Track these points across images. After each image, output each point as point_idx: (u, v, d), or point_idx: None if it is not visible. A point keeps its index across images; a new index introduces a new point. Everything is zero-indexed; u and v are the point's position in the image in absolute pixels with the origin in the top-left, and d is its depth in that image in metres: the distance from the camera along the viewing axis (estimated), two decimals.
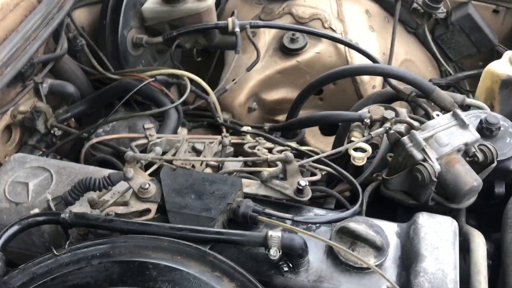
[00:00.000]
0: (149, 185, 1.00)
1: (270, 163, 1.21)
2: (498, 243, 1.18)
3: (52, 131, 1.47)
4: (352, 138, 1.34)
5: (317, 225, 1.01)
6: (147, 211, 0.98)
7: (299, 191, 1.03)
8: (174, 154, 1.17)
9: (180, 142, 1.20)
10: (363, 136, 1.35)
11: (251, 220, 0.97)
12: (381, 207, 1.26)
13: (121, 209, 0.98)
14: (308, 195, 1.04)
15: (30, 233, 1.06)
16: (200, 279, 0.83)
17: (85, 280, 0.82)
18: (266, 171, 1.07)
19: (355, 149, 1.27)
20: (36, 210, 0.96)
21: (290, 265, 0.91)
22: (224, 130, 1.53)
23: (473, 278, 0.96)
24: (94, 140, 1.33)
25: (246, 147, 1.36)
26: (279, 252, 0.88)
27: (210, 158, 1.16)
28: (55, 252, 0.86)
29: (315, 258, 0.95)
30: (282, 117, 1.90)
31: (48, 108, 1.42)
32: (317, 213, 1.04)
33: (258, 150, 1.33)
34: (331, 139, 1.79)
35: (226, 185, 1.01)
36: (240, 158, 1.16)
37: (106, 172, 1.09)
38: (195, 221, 0.96)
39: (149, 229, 0.91)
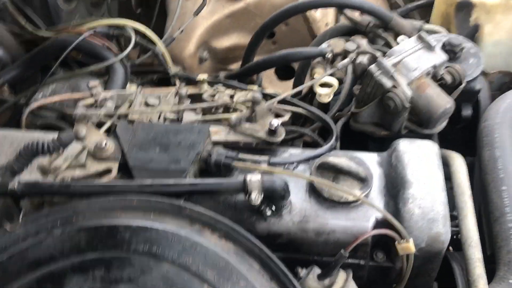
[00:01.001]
0: (106, 142, 0.89)
1: (235, 108, 1.13)
2: (471, 167, 1.17)
3: None
4: (316, 76, 1.28)
5: (295, 164, 0.95)
6: (108, 171, 0.88)
7: (272, 132, 0.96)
8: (128, 109, 1.05)
9: (133, 95, 1.09)
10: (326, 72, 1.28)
11: (225, 167, 0.89)
12: (352, 143, 1.21)
13: (77, 172, 0.88)
14: (281, 135, 0.96)
15: None
16: (179, 235, 0.75)
17: (48, 253, 0.72)
18: (234, 115, 0.98)
19: (320, 85, 1.21)
20: None
21: (273, 208, 0.85)
22: (177, 81, 1.42)
23: (458, 199, 0.94)
24: (35, 104, 1.19)
25: (205, 96, 1.26)
26: (261, 195, 0.81)
27: (170, 108, 1.06)
28: (7, 227, 0.75)
29: (297, 198, 0.89)
30: (235, 66, 1.81)
31: None
32: (292, 153, 0.98)
33: (219, 98, 1.23)
34: (289, 83, 1.73)
35: (192, 134, 0.92)
36: (202, 104, 1.07)
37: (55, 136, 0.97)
38: (164, 175, 0.87)
39: (114, 189, 0.82)
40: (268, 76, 1.79)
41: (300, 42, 1.73)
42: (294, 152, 0.98)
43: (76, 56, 1.45)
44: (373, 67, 1.13)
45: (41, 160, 0.90)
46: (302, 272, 0.83)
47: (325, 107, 1.26)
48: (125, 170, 0.89)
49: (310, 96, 1.36)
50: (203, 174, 0.92)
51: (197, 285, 0.71)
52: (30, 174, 0.93)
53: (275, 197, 0.84)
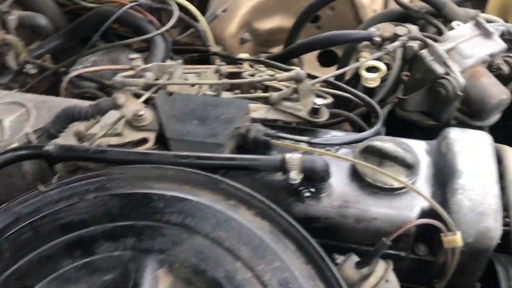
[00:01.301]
0: (145, 111, 0.87)
1: (275, 88, 1.10)
2: None
3: (24, 69, 1.31)
4: (362, 59, 1.22)
5: (337, 147, 0.90)
6: (144, 141, 0.86)
7: (315, 111, 0.91)
8: (167, 81, 1.03)
9: (173, 67, 1.06)
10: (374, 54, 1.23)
11: (263, 145, 0.86)
12: (396, 132, 1.15)
13: (114, 140, 0.86)
14: (324, 115, 0.92)
15: (10, 175, 0.94)
16: (214, 208, 0.72)
17: (80, 217, 0.71)
18: (275, 93, 0.95)
19: (367, 70, 1.15)
20: (15, 145, 0.83)
21: (312, 190, 0.81)
22: (217, 61, 1.39)
23: (509, 195, 0.88)
24: (74, 73, 1.18)
25: (245, 75, 1.23)
26: (300, 175, 0.77)
27: (211, 81, 1.03)
28: (41, 188, 0.74)
29: (338, 182, 0.84)
30: (276, 50, 1.76)
31: (18, 41, 1.26)
32: (335, 135, 0.93)
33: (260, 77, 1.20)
34: (330, 70, 1.67)
35: (231, 108, 0.89)
36: (241, 80, 1.03)
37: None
38: (201, 148, 0.84)
39: (149, 158, 0.79)
40: (310, 62, 1.74)
41: (346, 28, 1.66)
42: (336, 135, 0.93)
43: (117, 29, 1.44)
44: (424, 52, 1.07)
45: (77, 126, 0.89)
46: (339, 259, 0.79)
47: (369, 93, 1.20)
48: (161, 141, 0.87)
49: (354, 82, 1.30)
50: (239, 151, 0.89)
51: (229, 261, 0.67)
52: (66, 140, 0.92)
53: (315, 178, 0.79)
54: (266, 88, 1.17)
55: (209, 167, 0.79)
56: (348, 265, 0.76)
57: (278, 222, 0.73)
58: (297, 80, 0.94)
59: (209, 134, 0.85)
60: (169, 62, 1.38)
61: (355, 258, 0.78)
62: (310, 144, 0.87)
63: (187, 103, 0.90)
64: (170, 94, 0.92)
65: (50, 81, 1.38)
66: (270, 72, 1.27)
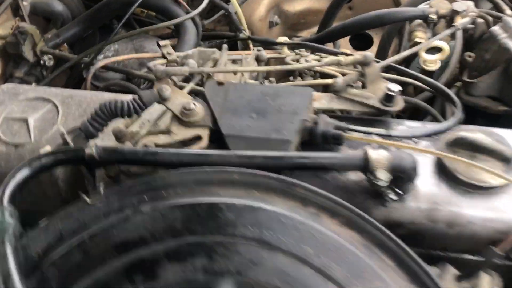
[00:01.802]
0: (195, 104, 0.75)
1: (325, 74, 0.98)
2: None
3: (42, 61, 1.19)
4: (417, 40, 1.10)
5: (415, 139, 0.79)
6: (197, 138, 0.74)
7: (388, 98, 0.79)
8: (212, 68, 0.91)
9: (217, 53, 0.94)
10: (428, 37, 1.11)
11: (334, 139, 0.74)
12: None
13: (161, 139, 0.74)
14: (398, 104, 0.80)
15: (40, 181, 0.82)
16: (294, 219, 0.61)
17: (137, 234, 0.59)
18: (339, 78, 0.83)
19: (427, 51, 1.03)
20: (48, 148, 0.71)
21: (398, 191, 0.69)
22: (251, 45, 1.27)
23: None
24: (100, 63, 1.05)
25: (288, 60, 1.11)
26: (389, 175, 0.66)
27: (267, 68, 0.91)
28: (86, 199, 0.62)
29: (423, 180, 0.73)
30: (306, 34, 1.64)
31: (34, 29, 1.13)
32: (411, 126, 0.82)
33: (307, 61, 1.08)
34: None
35: (294, 98, 0.77)
36: (297, 65, 0.91)
37: (128, 98, 0.84)
38: (263, 146, 0.72)
39: (209, 159, 0.68)
40: (342, 46, 1.61)
41: (380, 8, 1.54)
42: (413, 125, 0.82)
43: (140, 14, 1.31)
44: (497, 29, 0.95)
45: (117, 123, 0.77)
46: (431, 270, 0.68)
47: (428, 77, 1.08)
48: (217, 138, 0.75)
49: (404, 65, 1.18)
50: (304, 146, 0.77)
51: (320, 282, 0.56)
52: (102, 140, 0.80)
53: (403, 177, 0.68)
54: (314, 75, 1.05)
55: (279, 168, 0.68)
56: (448, 279, 0.65)
57: (369, 232, 0.62)
58: (364, 63, 0.82)
59: (272, 129, 0.74)
60: None
61: (452, 270, 0.67)
62: (386, 137, 0.76)
63: (242, 94, 0.78)
64: (220, 84, 0.80)
65: (66, 74, 1.26)
66: (314, 56, 1.15)
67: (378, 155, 0.66)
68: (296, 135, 0.73)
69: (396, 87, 0.78)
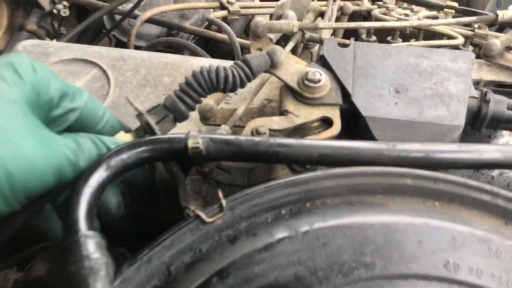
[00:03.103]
0: (320, 74, 0.55)
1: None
2: None
3: (55, 10, 0.95)
4: None
5: None
6: (326, 122, 0.54)
7: None
8: (314, 21, 0.69)
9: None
10: None
11: (508, 123, 0.55)
12: None
13: (276, 122, 0.53)
14: None
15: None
16: (498, 244, 0.42)
17: (292, 273, 0.40)
18: (496, 40, 0.62)
19: None
20: (125, 137, 0.50)
21: None
22: None
23: None
24: (147, 14, 0.82)
25: (376, 12, 0.90)
26: None
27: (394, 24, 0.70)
28: (203, 216, 0.42)
29: None
30: None
31: None
32: None
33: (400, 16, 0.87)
34: None
35: (453, 65, 0.57)
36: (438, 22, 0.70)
37: (206, 63, 0.63)
38: (421, 133, 0.53)
39: (360, 154, 0.48)
40: None
41: None
42: None
43: None
44: None
45: (205, 99, 0.56)
46: None
47: None
48: (346, 121, 0.55)
49: None
50: None
51: None
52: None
53: None
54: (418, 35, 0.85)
55: (456, 166, 0.49)
56: None
57: None
58: None
59: (429, 109, 0.54)
60: None
61: None
62: None
63: (378, 58, 0.58)
64: (344, 45, 0.59)
65: (92, 30, 1.03)
66: (401, 10, 0.94)
67: None
68: (464, 117, 0.54)
69: None
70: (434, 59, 0.57)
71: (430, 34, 0.83)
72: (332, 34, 0.91)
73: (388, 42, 0.88)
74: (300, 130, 0.55)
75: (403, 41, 0.88)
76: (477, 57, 0.64)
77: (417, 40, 0.86)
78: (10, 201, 0.40)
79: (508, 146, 0.49)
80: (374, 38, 0.93)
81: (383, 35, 0.93)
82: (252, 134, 0.52)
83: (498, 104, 0.55)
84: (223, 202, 0.43)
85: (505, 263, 0.42)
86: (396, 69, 0.56)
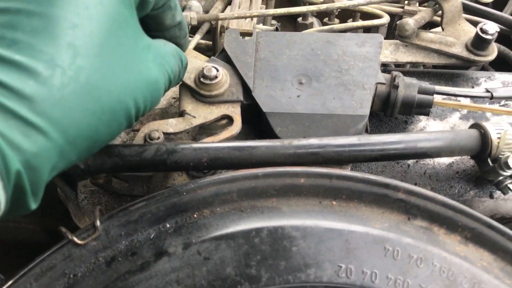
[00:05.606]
0: (217, 69, 0.51)
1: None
2: None
3: None
4: None
5: None
6: (226, 119, 0.51)
7: (479, 43, 0.57)
8: (223, 11, 0.65)
9: None
10: None
11: (420, 108, 0.53)
12: None
13: (173, 125, 0.50)
14: (492, 52, 0.58)
15: None
16: (400, 243, 0.40)
17: None
18: (410, 19, 0.59)
19: None
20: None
21: None
22: None
23: None
24: None
25: None
26: None
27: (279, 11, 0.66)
28: (74, 238, 0.39)
29: None
30: None
31: None
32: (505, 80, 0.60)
33: None
34: None
35: (359, 50, 0.54)
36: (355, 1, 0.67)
37: None
38: (325, 126, 0.50)
39: (254, 154, 0.45)
40: None
41: None
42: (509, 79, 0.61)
43: None
44: None
45: None
46: None
47: None
48: (248, 118, 0.52)
49: None
50: None
51: None
52: None
53: None
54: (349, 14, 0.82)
55: (358, 160, 0.46)
56: None
57: (506, 249, 0.42)
58: None
59: (334, 99, 0.51)
60: None
61: None
62: (491, 98, 0.54)
63: (281, 48, 0.55)
64: (246, 34, 0.55)
65: None
66: None
67: (507, 135, 0.45)
68: (369, 106, 0.51)
69: (493, 27, 0.56)
70: (340, 44, 0.54)
71: (363, 14, 0.80)
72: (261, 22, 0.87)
73: (325, 24, 0.84)
74: (206, 130, 0.52)
75: (340, 22, 0.84)
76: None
77: (354, 20, 0.83)
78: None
79: (410, 135, 0.47)
80: (310, 20, 0.90)
81: (321, 17, 0.89)
82: (145, 141, 0.49)
83: (408, 88, 0.52)
84: (98, 221, 0.40)
85: (401, 264, 0.39)
86: (301, 59, 0.53)
